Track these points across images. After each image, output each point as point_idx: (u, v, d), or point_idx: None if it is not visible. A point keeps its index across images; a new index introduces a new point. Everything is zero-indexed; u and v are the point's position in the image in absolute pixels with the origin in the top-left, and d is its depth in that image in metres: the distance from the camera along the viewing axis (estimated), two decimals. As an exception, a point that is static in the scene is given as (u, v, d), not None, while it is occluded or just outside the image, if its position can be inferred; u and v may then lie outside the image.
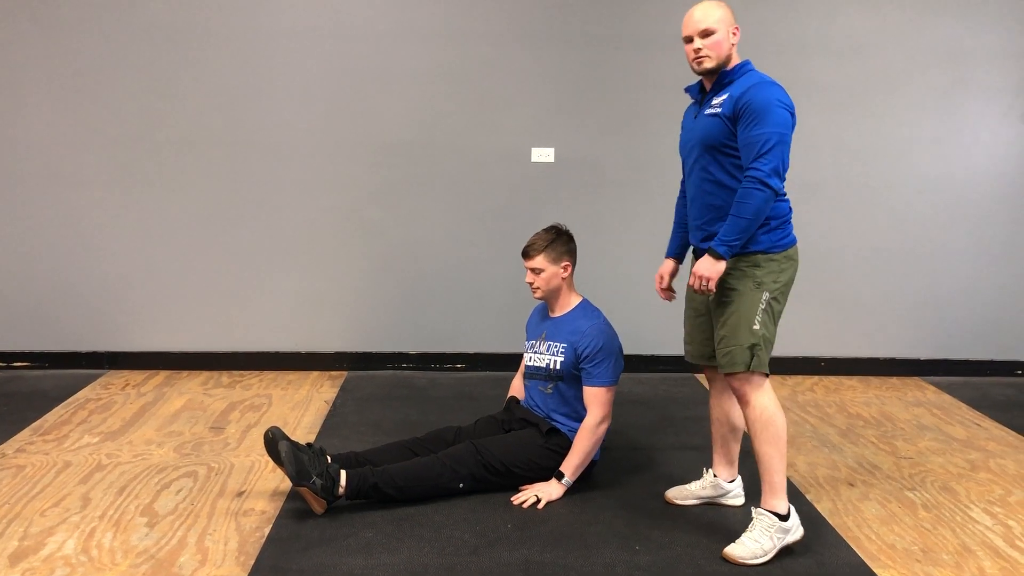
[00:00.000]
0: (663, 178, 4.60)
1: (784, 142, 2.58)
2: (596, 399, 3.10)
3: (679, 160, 4.54)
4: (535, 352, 3.28)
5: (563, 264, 3.19)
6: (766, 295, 2.69)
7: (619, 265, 4.63)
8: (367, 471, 2.97)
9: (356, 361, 4.73)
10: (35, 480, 3.17)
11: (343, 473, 2.93)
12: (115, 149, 4.43)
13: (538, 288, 3.21)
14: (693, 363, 3.02)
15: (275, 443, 2.86)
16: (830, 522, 2.96)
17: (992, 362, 4.90)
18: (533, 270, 3.19)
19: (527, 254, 3.19)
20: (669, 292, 3.09)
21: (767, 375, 2.70)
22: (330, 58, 4.42)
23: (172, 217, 4.52)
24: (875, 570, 2.66)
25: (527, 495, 3.06)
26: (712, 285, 2.64)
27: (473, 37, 4.44)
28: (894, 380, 4.79)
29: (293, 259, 4.60)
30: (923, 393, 4.57)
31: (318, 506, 2.90)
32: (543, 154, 4.56)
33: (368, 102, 4.48)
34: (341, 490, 2.90)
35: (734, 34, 2.70)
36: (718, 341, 2.74)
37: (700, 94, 2.83)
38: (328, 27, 4.39)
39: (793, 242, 2.75)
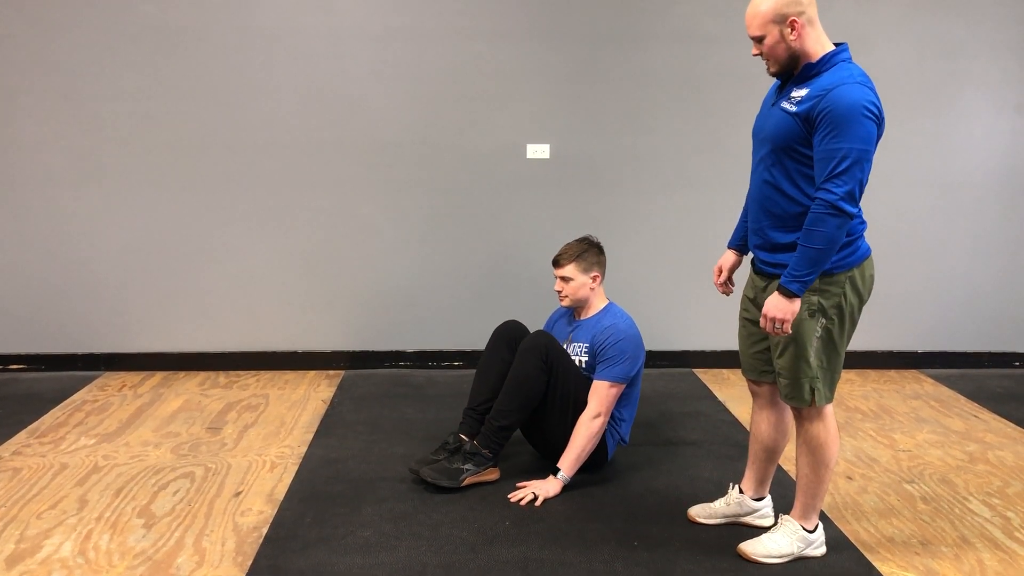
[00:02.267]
0: (659, 174, 4.60)
1: (864, 159, 2.26)
2: (596, 392, 3.13)
3: (674, 155, 4.59)
4: None
5: (592, 275, 3.26)
6: (821, 322, 2.44)
7: (615, 261, 4.58)
8: (487, 424, 3.13)
9: (353, 360, 4.72)
10: (32, 482, 3.17)
11: (476, 443, 3.13)
12: (110, 150, 4.42)
13: (566, 296, 3.28)
14: (745, 377, 2.79)
15: (419, 473, 3.09)
16: (829, 515, 2.96)
17: (990, 354, 4.90)
18: (563, 278, 3.26)
19: (558, 262, 3.26)
20: (727, 286, 2.84)
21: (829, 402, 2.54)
22: (324, 58, 4.41)
23: (167, 218, 4.50)
24: (874, 563, 2.65)
25: (524, 492, 3.06)
26: (788, 327, 2.37)
27: (467, 34, 4.43)
28: (892, 373, 4.79)
29: (289, 258, 4.59)
30: (921, 386, 4.56)
31: (491, 476, 3.18)
32: (538, 150, 4.55)
33: (362, 100, 4.46)
34: (488, 454, 3.12)
35: (793, 26, 2.32)
36: (776, 371, 2.57)
37: (784, 79, 2.48)
38: (321, 27, 4.38)
39: (863, 257, 2.46)
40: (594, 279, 3.26)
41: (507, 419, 3.10)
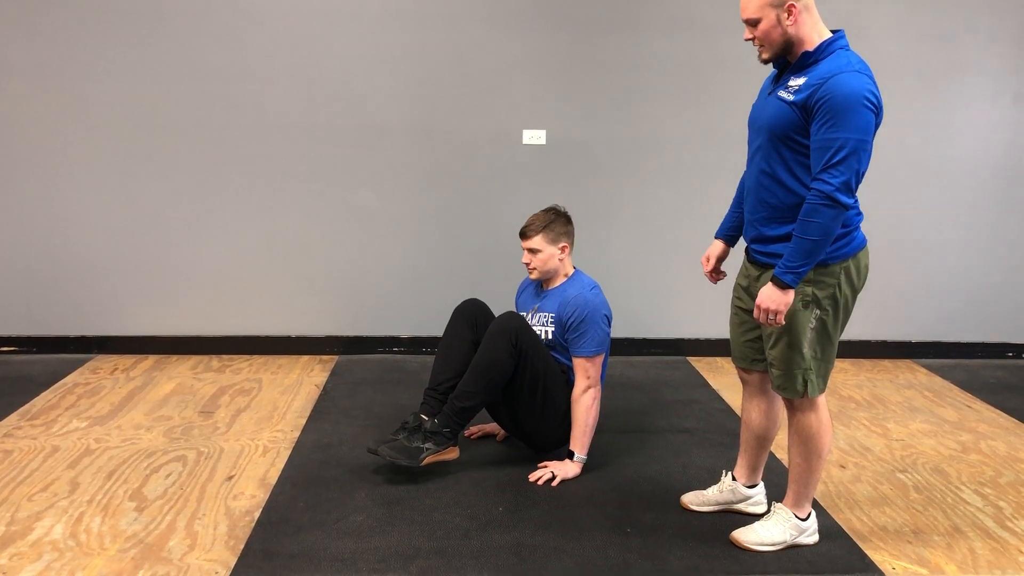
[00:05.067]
0: (655, 160, 4.59)
1: (861, 150, 2.24)
2: (578, 368, 3.13)
3: (671, 142, 4.58)
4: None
5: (560, 245, 3.20)
6: (816, 313, 2.42)
7: (610, 247, 4.61)
8: (449, 403, 3.08)
9: (347, 345, 4.70)
10: (23, 465, 3.15)
11: (437, 422, 3.07)
12: (102, 132, 4.38)
13: (535, 269, 3.23)
14: (735, 365, 2.79)
15: (376, 452, 3.01)
16: (822, 504, 2.96)
17: (983, 344, 4.91)
18: (530, 250, 3.20)
19: (525, 234, 3.20)
20: (717, 275, 2.80)
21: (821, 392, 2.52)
22: (318, 41, 4.37)
23: (161, 200, 4.47)
24: (866, 551, 2.66)
25: (543, 473, 3.09)
26: (781, 318, 2.35)
27: (464, 19, 4.40)
28: (886, 363, 4.79)
29: (283, 242, 4.57)
30: (914, 375, 4.57)
31: (451, 455, 3.11)
32: (534, 136, 4.53)
33: (358, 85, 4.43)
34: (449, 433, 3.06)
35: (790, 12, 2.29)
36: (769, 361, 2.55)
37: (780, 66, 2.45)
38: (316, 9, 4.34)
39: (858, 247, 2.44)
40: (563, 249, 3.20)
41: (471, 400, 3.05)
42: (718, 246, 2.80)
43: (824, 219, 2.26)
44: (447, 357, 3.20)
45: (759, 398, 2.76)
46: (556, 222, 3.18)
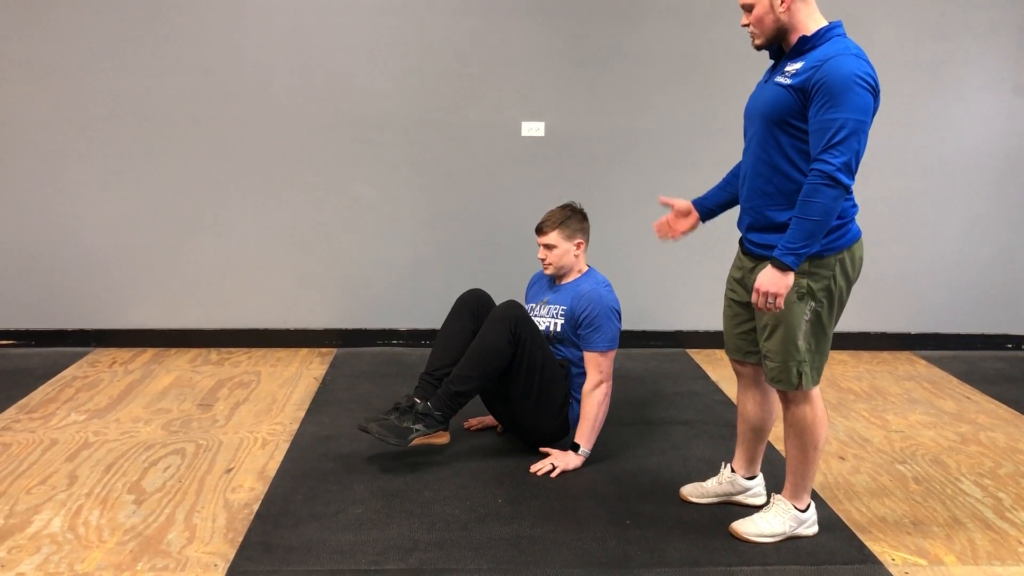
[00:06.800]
0: (654, 153, 4.58)
1: (861, 131, 2.23)
2: (591, 363, 3.13)
3: (670, 134, 4.56)
4: (536, 315, 3.28)
5: (576, 242, 3.23)
6: (811, 305, 2.41)
7: (609, 240, 4.59)
8: (444, 387, 3.04)
9: (346, 338, 4.70)
10: (21, 458, 3.15)
11: (429, 404, 3.03)
12: (100, 125, 4.36)
13: (550, 264, 3.25)
14: (729, 358, 2.77)
15: (367, 429, 2.99)
16: (821, 495, 2.96)
17: (982, 336, 4.90)
18: (546, 246, 3.23)
19: (541, 230, 3.23)
20: (665, 227, 2.79)
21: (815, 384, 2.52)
22: (317, 33, 4.35)
23: (159, 193, 4.46)
24: (866, 543, 2.66)
25: (544, 464, 3.09)
26: (780, 302, 2.33)
27: (462, 10, 4.38)
28: (885, 354, 4.79)
29: (281, 235, 4.55)
30: (914, 367, 4.57)
31: (440, 439, 3.06)
32: (533, 128, 4.51)
33: (355, 76, 4.42)
34: (440, 416, 3.02)
35: (783, 1, 2.34)
36: (763, 353, 2.54)
37: (776, 56, 2.48)
38: (314, 1, 4.34)
39: (853, 239, 2.42)
40: (578, 246, 3.23)
41: (466, 385, 3.03)
42: (684, 203, 2.78)
43: (825, 199, 2.25)
44: (446, 344, 3.19)
45: (754, 390, 2.76)
46: (572, 219, 3.21)
